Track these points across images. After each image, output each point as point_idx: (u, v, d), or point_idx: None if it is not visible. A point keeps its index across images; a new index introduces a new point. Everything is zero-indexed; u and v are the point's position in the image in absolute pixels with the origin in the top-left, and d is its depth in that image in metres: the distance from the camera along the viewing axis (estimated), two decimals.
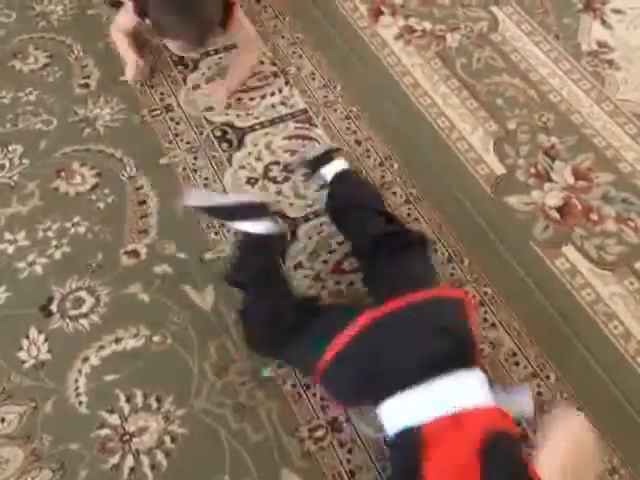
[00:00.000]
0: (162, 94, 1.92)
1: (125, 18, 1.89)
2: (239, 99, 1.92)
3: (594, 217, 1.72)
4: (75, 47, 2.03)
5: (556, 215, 1.72)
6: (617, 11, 2.24)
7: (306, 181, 1.74)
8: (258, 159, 1.79)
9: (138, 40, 1.97)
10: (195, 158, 1.79)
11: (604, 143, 1.88)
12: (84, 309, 1.51)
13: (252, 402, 1.40)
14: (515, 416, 1.23)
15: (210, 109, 1.89)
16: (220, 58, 2.02)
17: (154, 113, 1.88)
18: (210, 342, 1.47)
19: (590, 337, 1.52)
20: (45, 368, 1.43)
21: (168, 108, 1.89)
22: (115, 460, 1.32)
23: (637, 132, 1.90)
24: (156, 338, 1.47)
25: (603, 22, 2.20)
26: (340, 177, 1.64)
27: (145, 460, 1.32)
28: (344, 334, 1.22)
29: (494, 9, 2.23)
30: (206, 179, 1.74)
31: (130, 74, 1.89)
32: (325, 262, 1.61)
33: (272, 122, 1.88)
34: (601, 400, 1.43)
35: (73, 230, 1.63)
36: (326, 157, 1.69)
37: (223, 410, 1.38)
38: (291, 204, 1.70)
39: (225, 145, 1.82)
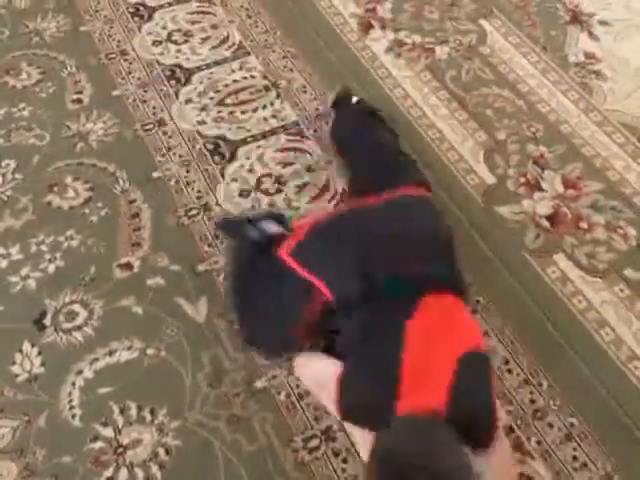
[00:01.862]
0: (154, 108, 1.94)
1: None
2: (231, 112, 1.94)
3: (584, 225, 1.74)
4: (68, 63, 2.05)
5: (546, 224, 1.74)
6: (604, 23, 2.27)
7: (299, 192, 1.76)
8: (250, 171, 1.81)
9: None
10: (187, 171, 1.80)
11: (593, 152, 1.90)
12: (77, 322, 1.51)
13: (246, 413, 1.40)
14: None
15: (202, 123, 1.91)
16: (211, 73, 2.04)
17: (147, 127, 1.89)
18: (204, 354, 1.47)
19: (582, 344, 1.53)
20: (38, 382, 1.43)
21: (161, 122, 1.91)
22: (109, 473, 1.32)
23: (625, 141, 1.93)
24: (150, 350, 1.48)
25: (590, 34, 2.24)
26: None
27: (139, 473, 1.32)
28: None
29: (482, 22, 2.26)
30: (199, 192, 1.75)
31: None
32: None
33: (264, 135, 1.90)
34: (593, 406, 1.44)
35: (66, 244, 1.64)
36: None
37: (217, 421, 1.39)
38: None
39: (217, 158, 1.83)
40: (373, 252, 1.10)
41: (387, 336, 1.02)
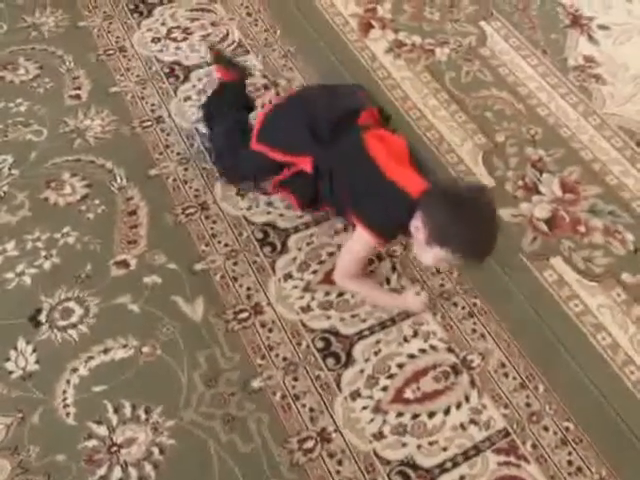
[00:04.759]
0: (153, 105, 1.93)
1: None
2: None
3: (582, 229, 1.74)
4: (66, 58, 2.03)
5: (544, 227, 1.74)
6: (603, 27, 2.27)
7: None
8: None
9: None
10: (185, 169, 1.79)
11: (591, 156, 1.90)
12: (73, 320, 1.50)
13: (241, 413, 1.39)
14: None
15: (201, 120, 1.90)
16: (207, 76, 2.03)
17: (145, 124, 1.88)
18: (199, 353, 1.47)
19: (578, 348, 1.53)
20: (33, 379, 1.42)
21: (159, 120, 1.90)
22: (102, 472, 1.31)
23: (623, 145, 1.93)
24: (145, 349, 1.47)
25: (590, 38, 2.24)
26: None
27: (133, 472, 1.31)
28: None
29: (483, 24, 2.26)
30: (197, 190, 1.74)
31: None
32: (315, 272, 1.61)
33: None
34: (589, 411, 1.44)
35: (62, 241, 1.63)
36: None
37: (212, 421, 1.38)
38: (281, 215, 1.71)
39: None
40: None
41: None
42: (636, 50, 2.21)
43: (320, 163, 1.54)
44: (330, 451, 1.35)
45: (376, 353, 1.49)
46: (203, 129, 1.84)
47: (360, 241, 1.48)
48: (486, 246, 1.38)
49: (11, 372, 1.42)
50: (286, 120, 1.61)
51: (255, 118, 1.73)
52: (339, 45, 2.15)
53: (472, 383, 1.46)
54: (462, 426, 1.41)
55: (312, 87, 1.87)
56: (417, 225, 1.39)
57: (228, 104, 1.79)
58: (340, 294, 1.58)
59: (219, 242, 1.65)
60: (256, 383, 1.43)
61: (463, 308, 1.57)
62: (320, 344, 1.50)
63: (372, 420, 1.40)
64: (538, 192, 1.81)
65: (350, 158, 1.51)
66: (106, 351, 1.46)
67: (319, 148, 1.53)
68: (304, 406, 1.41)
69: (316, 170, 1.55)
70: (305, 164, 1.55)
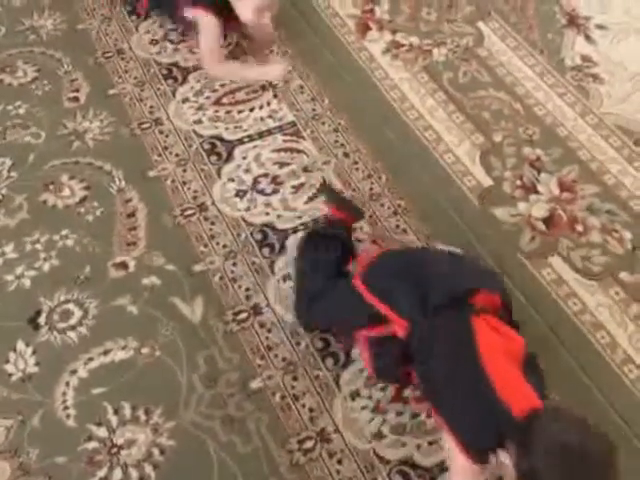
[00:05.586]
0: (151, 107, 1.94)
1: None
2: (228, 112, 1.93)
3: (579, 228, 1.74)
4: (64, 61, 2.04)
5: (542, 226, 1.74)
6: (600, 26, 2.27)
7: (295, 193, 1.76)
8: (247, 171, 1.80)
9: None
10: (184, 171, 1.79)
11: (589, 155, 1.90)
12: (72, 321, 1.51)
13: (241, 414, 1.40)
14: None
15: (199, 122, 1.90)
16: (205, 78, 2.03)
17: (143, 126, 1.89)
18: (199, 354, 1.47)
19: (577, 347, 1.53)
20: (32, 381, 1.42)
21: (157, 121, 1.90)
22: (103, 473, 1.31)
23: (621, 144, 1.93)
24: (145, 350, 1.47)
25: (587, 37, 2.24)
26: None
27: (133, 473, 1.32)
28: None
29: (480, 24, 2.26)
30: (195, 192, 1.75)
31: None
32: None
33: (261, 135, 1.89)
34: (588, 410, 1.44)
35: (61, 243, 1.63)
36: None
37: (212, 422, 1.38)
38: (280, 216, 1.71)
39: (214, 158, 1.83)
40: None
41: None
42: (633, 49, 2.21)
43: (416, 333, 1.30)
44: (330, 451, 1.35)
45: None
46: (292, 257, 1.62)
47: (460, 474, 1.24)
48: None
49: (11, 374, 1.43)
50: (396, 274, 1.38)
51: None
52: (337, 46, 2.14)
53: None
54: None
55: (437, 250, 1.59)
56: (505, 457, 1.10)
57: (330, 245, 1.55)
58: None
59: (218, 243, 1.65)
60: (255, 384, 1.43)
61: None
62: (319, 344, 1.50)
63: (372, 420, 1.40)
64: (536, 191, 1.81)
65: (451, 341, 1.26)
66: (105, 353, 1.46)
67: (421, 316, 1.29)
68: (304, 406, 1.41)
69: (409, 338, 1.31)
70: (400, 327, 1.32)
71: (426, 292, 1.30)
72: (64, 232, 1.65)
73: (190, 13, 1.94)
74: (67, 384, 1.41)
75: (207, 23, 1.91)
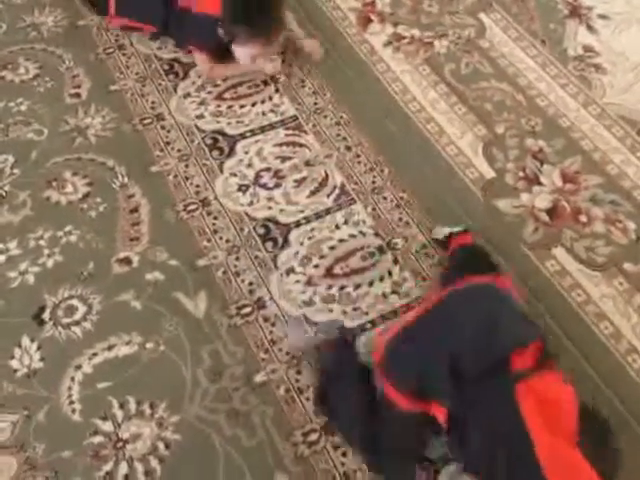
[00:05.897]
0: (153, 103, 1.93)
1: (202, 59, 1.98)
2: (230, 107, 1.93)
3: (583, 219, 1.74)
4: (66, 57, 2.04)
5: (545, 217, 1.74)
6: (603, 16, 2.26)
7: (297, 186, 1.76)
8: (249, 166, 1.80)
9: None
10: (186, 166, 1.79)
11: (591, 146, 1.90)
12: (76, 317, 1.51)
13: (245, 407, 1.40)
14: None
15: (201, 117, 1.90)
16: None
17: (145, 122, 1.89)
18: (203, 348, 1.47)
19: (581, 337, 1.53)
20: (38, 376, 1.43)
21: (159, 117, 1.90)
22: (108, 467, 1.32)
23: (624, 135, 1.92)
24: (149, 345, 1.47)
25: (589, 27, 2.23)
26: None
27: (139, 467, 1.32)
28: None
29: (481, 15, 2.25)
30: (197, 186, 1.75)
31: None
32: (317, 267, 1.62)
33: (263, 129, 1.89)
34: (592, 398, 1.44)
35: (65, 239, 1.64)
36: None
37: (217, 416, 1.39)
38: (282, 210, 1.71)
39: (216, 153, 1.83)
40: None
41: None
42: (636, 39, 2.20)
43: (455, 411, 1.17)
44: (334, 443, 1.36)
45: None
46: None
47: None
48: None
49: (16, 370, 1.43)
50: (421, 345, 1.22)
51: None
52: (338, 39, 2.14)
53: None
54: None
55: (466, 298, 1.28)
56: None
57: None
58: (342, 287, 1.58)
59: (221, 238, 1.65)
60: (259, 377, 1.44)
61: None
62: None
63: None
64: (539, 183, 1.80)
65: (495, 417, 1.13)
66: (110, 348, 1.47)
67: (456, 391, 1.16)
68: (308, 399, 1.41)
69: (451, 421, 1.19)
70: (438, 413, 1.19)
71: (460, 362, 1.15)
72: (67, 228, 1.65)
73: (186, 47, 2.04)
74: (72, 379, 1.42)
75: (200, 58, 1.98)
